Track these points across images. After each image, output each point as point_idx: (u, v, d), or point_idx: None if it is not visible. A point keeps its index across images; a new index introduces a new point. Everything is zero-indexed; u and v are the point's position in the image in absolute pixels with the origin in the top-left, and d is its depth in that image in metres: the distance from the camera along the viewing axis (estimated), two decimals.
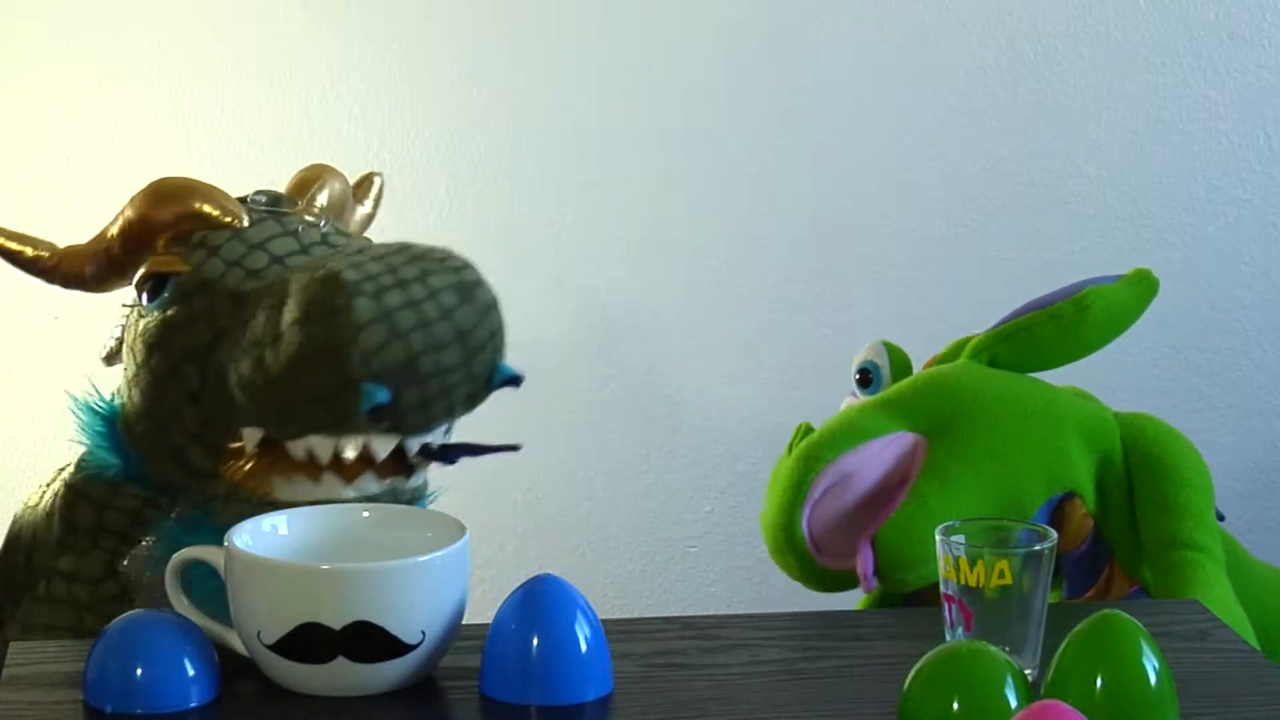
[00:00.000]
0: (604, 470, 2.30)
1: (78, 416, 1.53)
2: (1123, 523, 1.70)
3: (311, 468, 1.43)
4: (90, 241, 1.55)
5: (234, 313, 1.45)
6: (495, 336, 1.43)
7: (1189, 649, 1.36)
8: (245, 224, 1.50)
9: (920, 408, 1.67)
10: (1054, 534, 1.30)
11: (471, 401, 1.43)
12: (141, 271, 1.50)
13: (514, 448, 1.49)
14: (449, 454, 1.48)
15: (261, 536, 1.31)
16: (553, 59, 2.22)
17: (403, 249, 1.43)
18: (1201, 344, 2.29)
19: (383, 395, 1.35)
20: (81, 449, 1.58)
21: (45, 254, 1.56)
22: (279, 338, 1.38)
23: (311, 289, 1.37)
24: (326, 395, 1.37)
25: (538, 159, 2.23)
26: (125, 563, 1.53)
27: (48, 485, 1.62)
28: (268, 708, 1.26)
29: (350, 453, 1.41)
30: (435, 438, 1.45)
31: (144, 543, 1.51)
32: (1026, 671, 1.25)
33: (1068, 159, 2.25)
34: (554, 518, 2.29)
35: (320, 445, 1.41)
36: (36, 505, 1.61)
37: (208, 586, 1.33)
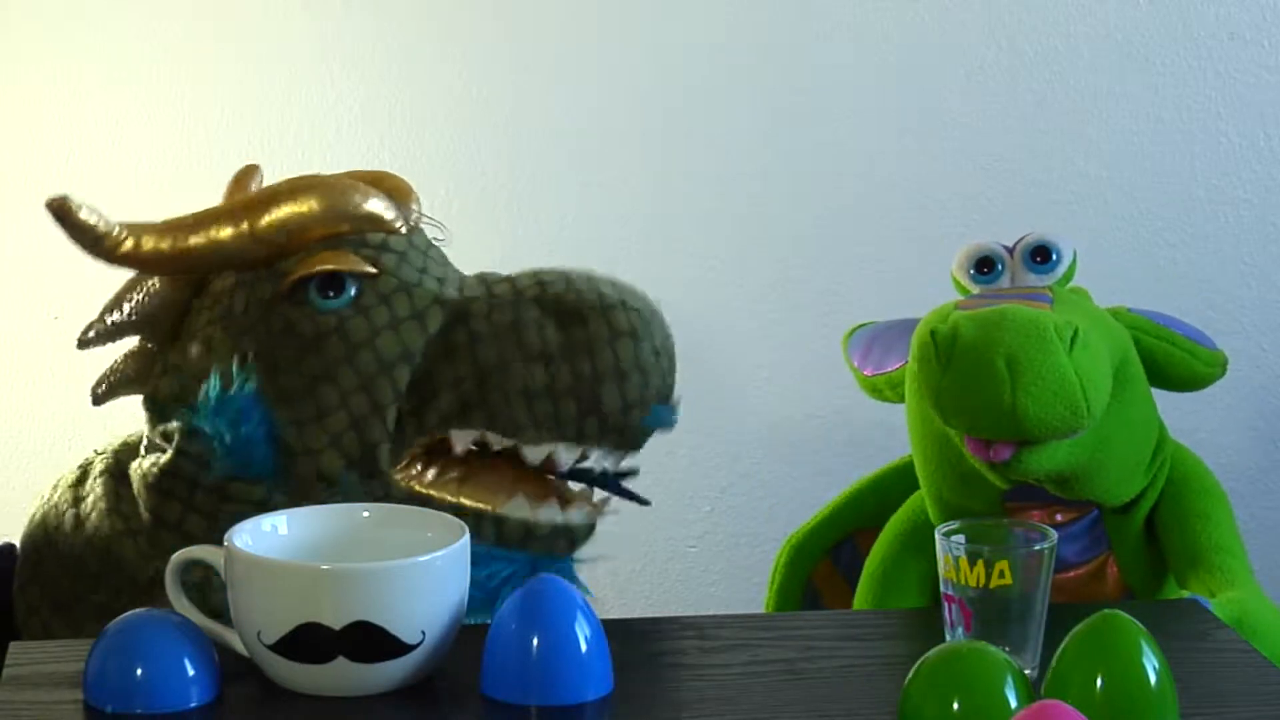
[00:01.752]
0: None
1: (212, 409, 1.49)
2: (1137, 538, 1.71)
3: (531, 485, 1.51)
4: (186, 220, 1.51)
5: (457, 321, 1.50)
6: None
7: (1189, 649, 1.36)
8: (406, 231, 1.54)
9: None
10: (1054, 534, 1.30)
11: None
12: (313, 267, 1.49)
13: (646, 502, 1.62)
14: (622, 494, 1.60)
15: (261, 536, 1.31)
16: (553, 59, 2.22)
17: (616, 282, 1.56)
18: None
19: (672, 419, 1.52)
20: (107, 464, 1.58)
21: (113, 229, 1.50)
22: (570, 353, 1.48)
23: (612, 313, 1.50)
24: (619, 410, 1.49)
25: (538, 159, 2.23)
26: None
27: (72, 491, 1.61)
28: (268, 708, 1.26)
29: (598, 464, 1.52)
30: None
31: None
32: (1026, 671, 1.25)
33: (1068, 159, 2.25)
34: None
35: (565, 453, 1.50)
36: (76, 514, 1.59)
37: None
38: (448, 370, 1.49)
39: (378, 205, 1.53)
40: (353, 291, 1.50)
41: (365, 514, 1.37)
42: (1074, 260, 1.74)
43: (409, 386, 1.49)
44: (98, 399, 1.62)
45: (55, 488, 1.64)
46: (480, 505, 1.51)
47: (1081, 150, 2.25)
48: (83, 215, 1.49)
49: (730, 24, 2.22)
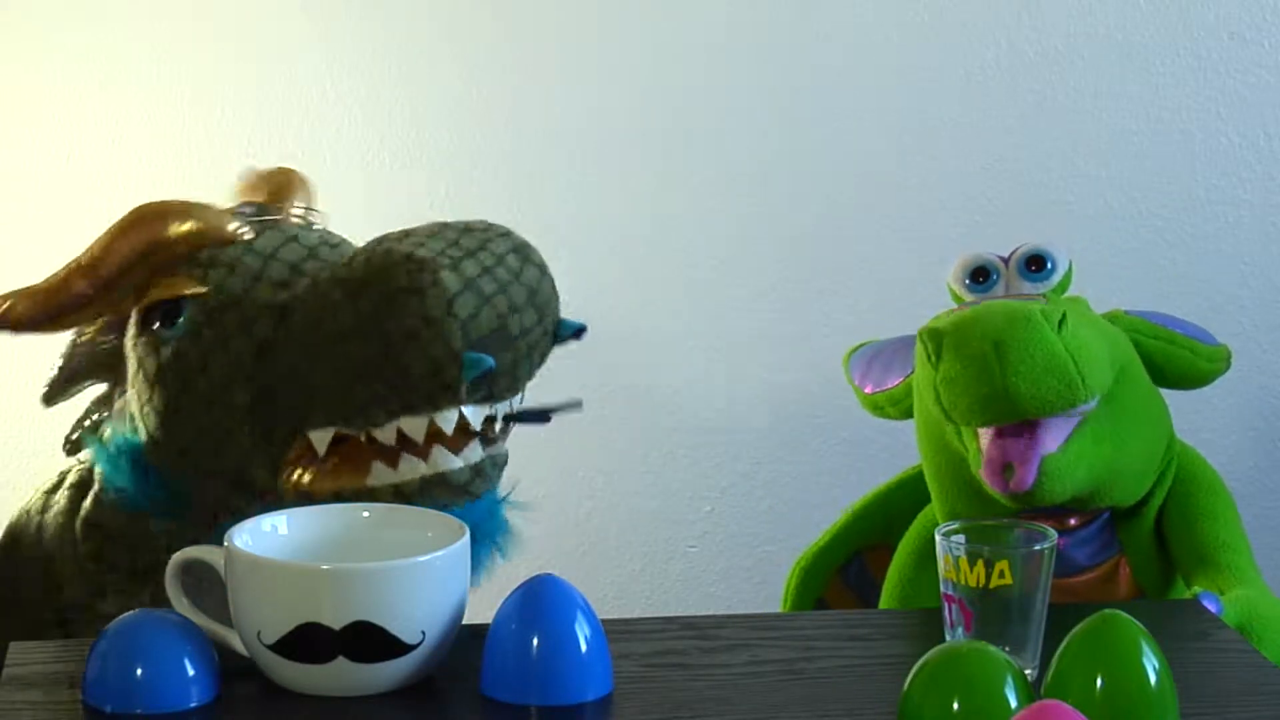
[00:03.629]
0: (604, 470, 2.30)
1: (102, 461, 1.51)
2: (1148, 538, 1.71)
3: (387, 454, 1.43)
4: (54, 279, 1.50)
5: (279, 323, 1.44)
6: (555, 291, 1.48)
7: (1189, 649, 1.37)
8: (250, 236, 1.50)
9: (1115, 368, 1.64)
10: (1054, 534, 1.30)
11: (544, 359, 1.47)
12: (150, 299, 1.48)
13: (576, 405, 1.53)
14: (522, 419, 1.50)
15: (261, 536, 1.31)
16: (553, 59, 2.22)
17: (443, 226, 1.45)
18: None
19: (489, 361, 1.38)
20: (80, 476, 1.58)
21: None
22: (365, 326, 1.38)
23: (391, 271, 1.38)
24: (429, 372, 1.38)
25: (538, 159, 2.23)
26: None
27: (44, 497, 1.61)
28: (268, 708, 1.26)
29: (449, 427, 1.42)
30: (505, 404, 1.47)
31: None
32: (1026, 671, 1.25)
33: (1068, 159, 2.25)
34: (554, 518, 2.29)
35: (413, 425, 1.42)
36: (41, 521, 1.59)
37: None
38: (281, 374, 1.44)
39: (206, 218, 1.49)
40: (185, 316, 1.47)
41: (365, 514, 1.37)
42: (1069, 269, 1.74)
43: (259, 397, 1.45)
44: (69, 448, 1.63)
45: (35, 491, 1.65)
46: (352, 485, 1.45)
47: (1081, 150, 2.25)
48: None
49: (730, 24, 2.22)
